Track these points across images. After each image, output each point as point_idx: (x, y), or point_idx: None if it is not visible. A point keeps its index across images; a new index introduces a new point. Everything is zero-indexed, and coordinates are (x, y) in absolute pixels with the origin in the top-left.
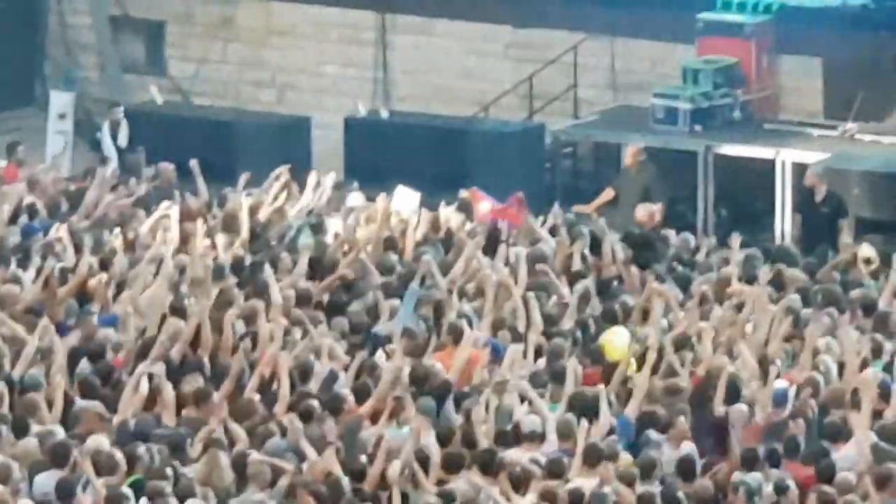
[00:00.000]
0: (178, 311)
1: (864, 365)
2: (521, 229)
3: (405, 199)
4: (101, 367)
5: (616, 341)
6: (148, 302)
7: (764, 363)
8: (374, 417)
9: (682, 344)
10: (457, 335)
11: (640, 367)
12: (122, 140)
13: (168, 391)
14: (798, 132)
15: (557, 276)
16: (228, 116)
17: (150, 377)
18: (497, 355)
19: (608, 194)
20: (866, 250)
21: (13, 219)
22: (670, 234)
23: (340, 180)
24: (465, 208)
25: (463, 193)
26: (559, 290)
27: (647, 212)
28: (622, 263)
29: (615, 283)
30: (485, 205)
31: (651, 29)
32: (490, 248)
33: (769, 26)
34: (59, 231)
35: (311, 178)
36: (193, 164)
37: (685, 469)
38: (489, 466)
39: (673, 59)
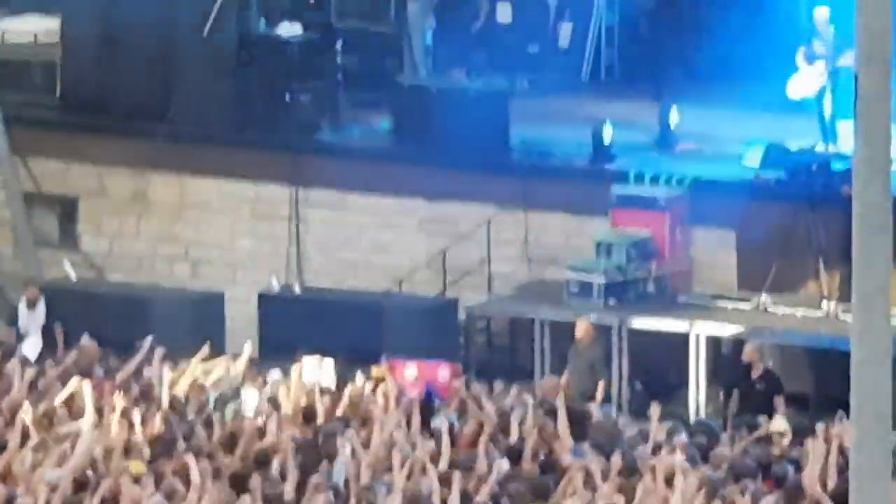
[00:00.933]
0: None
1: None
2: (449, 401)
3: (318, 369)
4: None
5: None
6: (60, 478)
7: None
8: None
9: None
10: None
11: None
12: (40, 316)
13: None
14: (712, 305)
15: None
16: (142, 292)
17: None
18: None
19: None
20: (779, 423)
21: None
22: (592, 407)
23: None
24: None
25: (376, 369)
26: (481, 463)
27: (551, 384)
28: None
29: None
30: (411, 371)
31: (564, 202)
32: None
33: (683, 199)
34: None
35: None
36: (148, 339)
37: None
38: None
39: (587, 231)
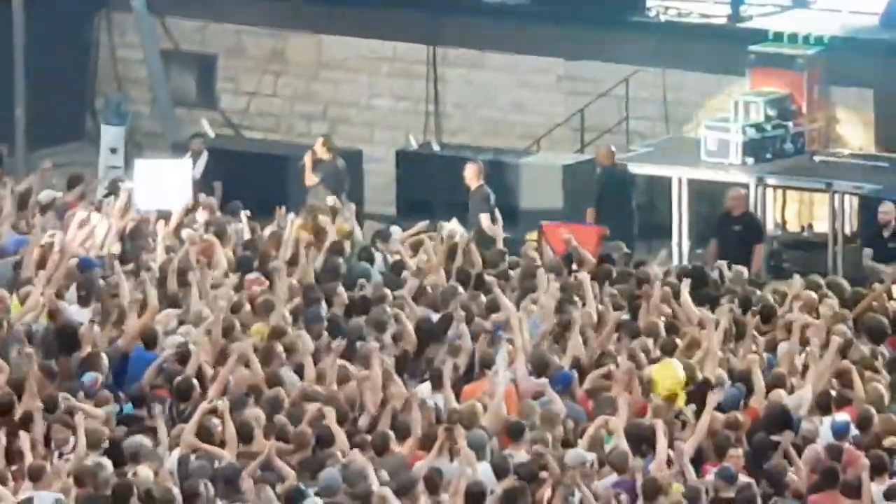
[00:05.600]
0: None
1: None
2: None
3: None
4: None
5: (667, 374)
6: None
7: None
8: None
9: (738, 376)
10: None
11: (691, 401)
12: (198, 172)
13: (230, 426)
14: (850, 164)
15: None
16: (280, 150)
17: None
18: (567, 386)
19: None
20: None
21: None
22: (722, 265)
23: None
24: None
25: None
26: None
27: (738, 194)
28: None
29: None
30: (564, 232)
31: (702, 61)
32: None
33: (821, 58)
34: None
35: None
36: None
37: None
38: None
39: (724, 90)
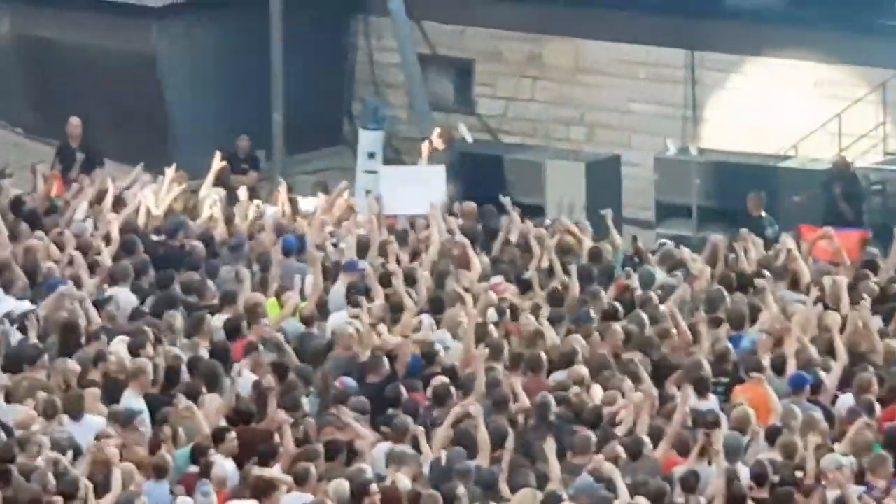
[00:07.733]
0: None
1: None
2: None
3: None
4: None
5: None
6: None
7: None
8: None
9: None
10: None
11: None
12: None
13: (483, 432)
14: None
15: None
16: (538, 154)
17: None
18: (799, 388)
19: None
20: None
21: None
22: None
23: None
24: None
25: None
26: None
27: None
28: None
29: None
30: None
31: None
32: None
33: None
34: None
35: None
36: (506, 200)
37: None
38: None
39: None
